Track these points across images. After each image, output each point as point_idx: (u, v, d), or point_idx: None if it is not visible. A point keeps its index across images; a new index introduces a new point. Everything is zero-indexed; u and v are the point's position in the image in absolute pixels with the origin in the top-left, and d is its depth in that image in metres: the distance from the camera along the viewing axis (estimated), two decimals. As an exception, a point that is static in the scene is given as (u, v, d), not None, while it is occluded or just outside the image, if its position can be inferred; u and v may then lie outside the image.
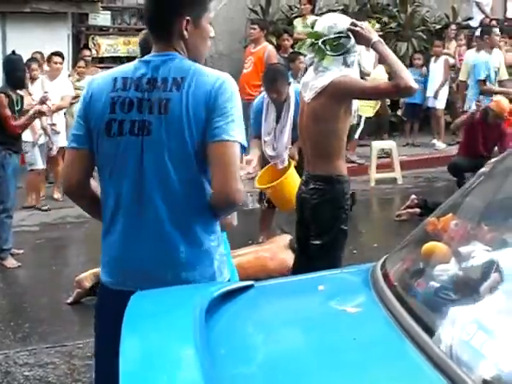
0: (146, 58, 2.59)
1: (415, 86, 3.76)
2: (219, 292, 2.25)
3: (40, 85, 8.80)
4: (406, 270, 2.46)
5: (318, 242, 4.16)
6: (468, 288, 2.15)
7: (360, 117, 9.87)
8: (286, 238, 6.00)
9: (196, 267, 2.53)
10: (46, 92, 8.43)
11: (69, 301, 5.45)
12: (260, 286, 2.45)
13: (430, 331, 1.96)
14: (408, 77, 3.74)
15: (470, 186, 2.73)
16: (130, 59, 10.66)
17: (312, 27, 4.10)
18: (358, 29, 3.89)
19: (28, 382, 4.23)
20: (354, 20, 3.99)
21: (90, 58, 10.43)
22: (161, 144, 2.46)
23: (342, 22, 3.99)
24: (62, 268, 6.40)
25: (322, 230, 4.15)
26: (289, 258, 5.68)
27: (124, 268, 2.58)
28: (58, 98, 8.93)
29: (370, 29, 3.96)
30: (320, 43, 3.94)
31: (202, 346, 1.89)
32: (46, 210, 8.48)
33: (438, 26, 13.06)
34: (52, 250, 7.24)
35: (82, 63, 10.01)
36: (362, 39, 3.91)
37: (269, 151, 6.20)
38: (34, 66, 8.82)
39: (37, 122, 8.50)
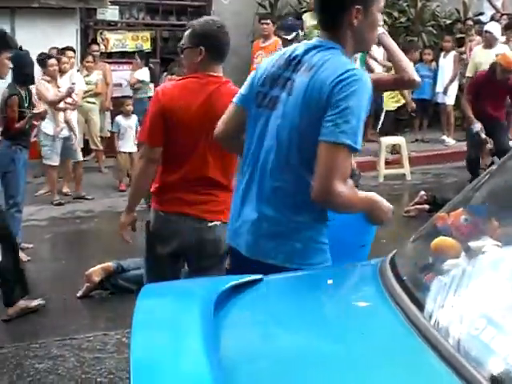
0: (313, 41, 2.73)
1: (418, 79, 3.73)
2: (228, 285, 2.26)
3: (69, 78, 8.85)
4: (415, 265, 2.46)
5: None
6: (477, 283, 2.14)
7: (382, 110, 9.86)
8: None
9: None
10: (73, 83, 8.51)
11: (78, 294, 5.48)
12: (269, 280, 2.45)
13: (439, 326, 1.96)
14: (412, 70, 3.68)
15: (480, 181, 2.72)
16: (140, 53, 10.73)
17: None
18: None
19: (38, 375, 4.25)
20: None
21: (98, 53, 10.45)
22: (285, 120, 2.62)
23: None
24: (72, 262, 6.42)
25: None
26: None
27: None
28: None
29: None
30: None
31: (211, 340, 1.89)
32: (58, 205, 8.52)
33: (449, 21, 13.01)
34: (61, 245, 7.27)
35: (90, 58, 10.05)
36: None
37: None
38: (65, 59, 8.91)
39: (60, 115, 8.57)
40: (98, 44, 10.95)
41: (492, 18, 12.69)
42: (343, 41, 2.63)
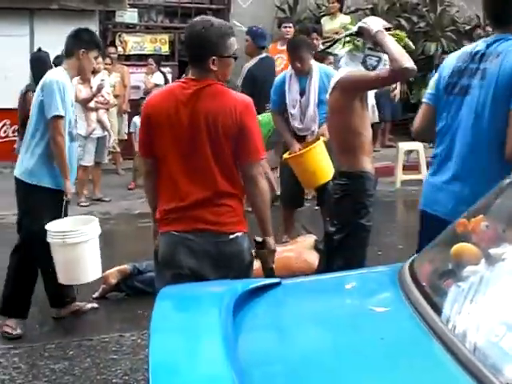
0: (492, 37, 3.24)
1: (411, 65, 3.74)
2: (246, 289, 2.26)
3: (100, 78, 8.92)
4: (434, 271, 2.44)
5: (337, 237, 4.18)
6: (497, 289, 2.13)
7: None
8: (311, 239, 5.98)
9: None
10: (102, 80, 8.56)
11: (94, 296, 5.50)
12: (287, 284, 2.45)
13: (459, 332, 1.95)
14: (403, 58, 3.74)
15: (501, 187, 2.70)
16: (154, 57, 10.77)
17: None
18: (360, 24, 3.97)
19: (54, 375, 4.26)
20: (385, 22, 4.02)
21: (115, 55, 10.48)
22: (476, 104, 3.15)
23: (373, 23, 4.01)
24: (88, 263, 6.43)
25: (341, 224, 4.18)
26: (313, 258, 5.66)
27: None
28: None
29: (374, 21, 3.98)
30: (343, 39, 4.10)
31: (230, 343, 1.89)
32: (84, 206, 8.55)
33: (468, 27, 12.94)
34: (78, 246, 7.29)
35: (107, 60, 10.08)
36: (366, 33, 3.93)
37: (296, 124, 6.34)
38: (99, 59, 8.98)
39: (92, 115, 8.63)
40: (116, 46, 10.99)
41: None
42: None
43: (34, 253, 4.80)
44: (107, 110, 9.20)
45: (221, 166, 3.35)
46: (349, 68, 4.07)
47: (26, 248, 4.85)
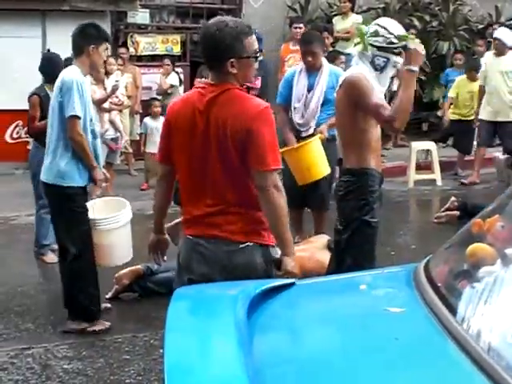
0: None
1: (399, 127, 4.01)
2: (261, 289, 2.25)
3: (114, 79, 8.94)
4: (449, 271, 2.43)
5: (344, 236, 4.18)
6: (513, 290, 2.11)
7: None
8: (324, 239, 5.97)
9: None
10: (116, 80, 8.58)
11: (107, 296, 5.50)
12: (301, 284, 2.44)
13: (474, 332, 1.94)
14: (403, 116, 3.90)
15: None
16: (168, 57, 10.78)
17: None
18: (415, 45, 3.95)
19: (67, 375, 4.27)
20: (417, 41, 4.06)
21: (126, 56, 10.50)
22: None
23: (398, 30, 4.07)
24: (101, 264, 6.44)
25: (346, 222, 4.19)
26: (326, 258, 5.62)
27: None
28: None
29: (419, 54, 3.97)
30: (366, 37, 4.07)
31: (244, 343, 1.89)
32: None
33: (481, 26, 12.88)
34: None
35: (119, 61, 10.10)
36: (410, 57, 3.93)
37: (297, 118, 6.29)
38: (111, 60, 9.03)
39: (105, 116, 8.66)
40: (127, 47, 11.00)
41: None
42: None
43: (79, 252, 4.82)
44: (120, 110, 9.22)
45: (231, 174, 3.22)
46: (358, 67, 4.09)
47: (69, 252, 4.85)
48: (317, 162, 5.85)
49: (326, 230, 6.07)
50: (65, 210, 4.82)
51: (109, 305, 5.32)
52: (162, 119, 9.29)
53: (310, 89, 6.26)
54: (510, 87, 9.57)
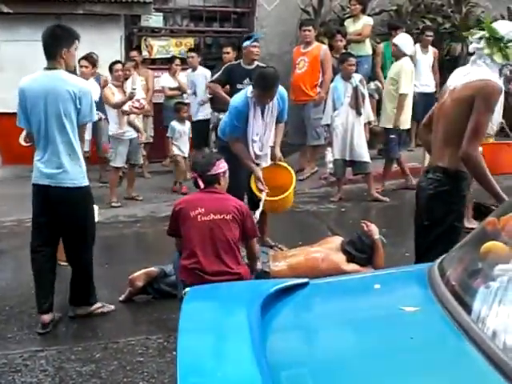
0: None
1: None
2: (275, 288, 2.24)
3: (130, 83, 8.99)
4: (464, 270, 2.41)
5: (428, 235, 4.03)
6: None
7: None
8: (338, 240, 5.96)
9: None
10: (133, 88, 8.64)
11: (121, 299, 5.50)
12: (315, 284, 2.43)
13: (488, 330, 1.92)
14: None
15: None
16: (181, 60, 10.80)
17: (490, 24, 4.02)
18: None
19: (80, 378, 4.27)
20: None
21: (139, 59, 10.53)
22: None
23: None
24: (115, 266, 6.44)
25: (432, 222, 4.02)
26: (340, 259, 5.65)
27: None
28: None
29: None
30: (504, 42, 3.93)
31: (258, 343, 1.87)
32: (116, 207, 8.60)
33: (494, 27, 12.82)
34: (104, 249, 7.31)
35: (132, 64, 10.13)
36: None
37: (257, 151, 6.20)
38: (128, 65, 9.12)
39: (124, 118, 8.74)
40: (140, 51, 11.03)
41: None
42: None
43: (86, 245, 5.20)
44: (141, 114, 9.29)
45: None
46: (487, 71, 3.90)
47: (75, 244, 5.17)
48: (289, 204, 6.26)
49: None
50: (90, 205, 5.21)
51: (112, 306, 5.32)
52: (188, 123, 9.45)
53: (262, 116, 6.17)
54: None
